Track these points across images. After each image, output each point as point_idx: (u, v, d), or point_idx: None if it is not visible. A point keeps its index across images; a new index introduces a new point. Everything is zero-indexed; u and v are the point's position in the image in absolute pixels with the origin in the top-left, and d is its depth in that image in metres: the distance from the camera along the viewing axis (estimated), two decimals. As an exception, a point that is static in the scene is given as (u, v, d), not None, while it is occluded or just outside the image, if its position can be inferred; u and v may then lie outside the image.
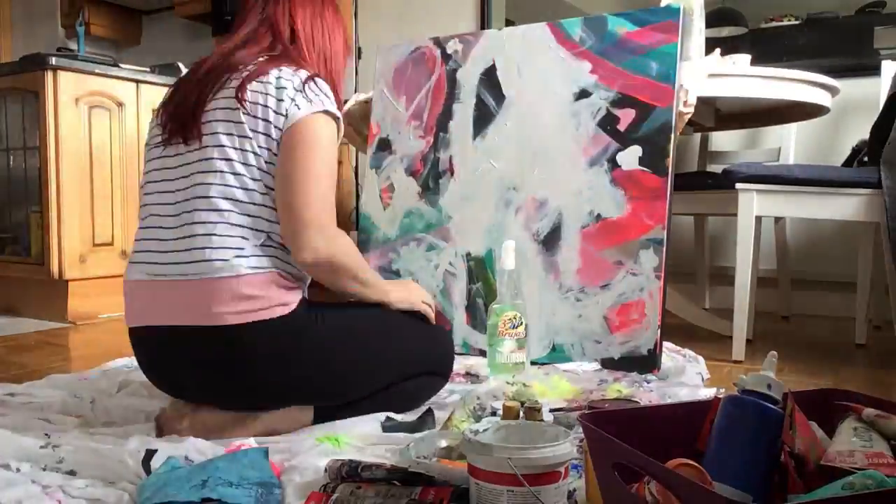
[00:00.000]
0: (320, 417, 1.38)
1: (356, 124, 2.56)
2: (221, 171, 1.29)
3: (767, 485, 0.86)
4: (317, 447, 1.22)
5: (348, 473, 1.03)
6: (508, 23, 3.60)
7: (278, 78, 1.33)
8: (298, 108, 1.31)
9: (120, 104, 2.85)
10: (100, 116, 2.79)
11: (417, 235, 2.22)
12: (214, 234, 1.27)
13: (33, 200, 2.77)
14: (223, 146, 1.30)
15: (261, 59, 1.39)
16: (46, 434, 1.28)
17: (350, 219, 3.44)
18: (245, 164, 1.30)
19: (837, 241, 2.91)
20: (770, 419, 0.87)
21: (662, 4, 1.99)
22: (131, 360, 1.92)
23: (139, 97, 2.91)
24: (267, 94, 1.31)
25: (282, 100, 1.31)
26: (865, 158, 2.34)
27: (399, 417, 1.42)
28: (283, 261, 1.32)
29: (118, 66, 2.92)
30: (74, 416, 1.45)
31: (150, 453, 1.13)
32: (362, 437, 1.30)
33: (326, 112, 1.34)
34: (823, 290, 2.96)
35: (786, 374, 1.93)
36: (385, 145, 2.33)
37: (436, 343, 1.55)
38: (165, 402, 1.47)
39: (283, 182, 1.29)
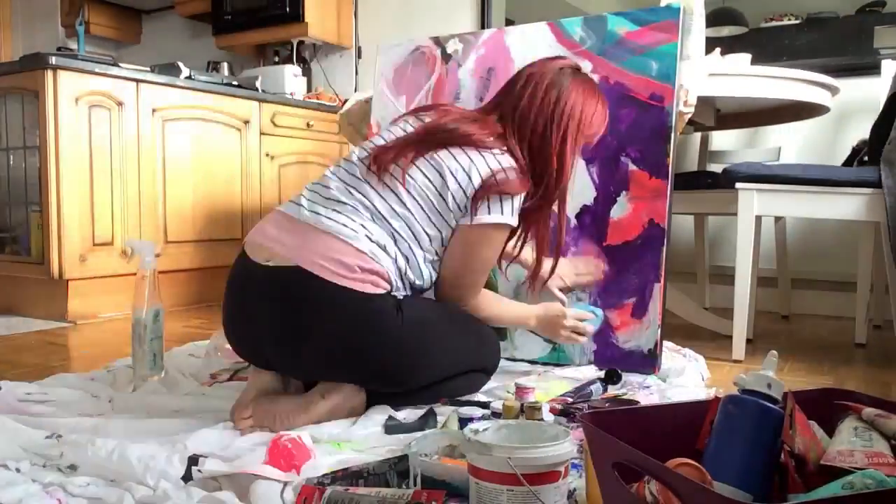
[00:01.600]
0: (373, 401, 1.46)
1: (356, 124, 2.56)
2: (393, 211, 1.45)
3: (767, 484, 0.86)
4: (317, 447, 1.22)
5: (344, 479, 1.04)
6: (508, 22, 3.60)
7: (476, 168, 1.47)
8: (488, 213, 1.48)
9: (120, 104, 2.85)
10: (100, 116, 2.79)
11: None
12: (362, 223, 1.41)
13: (33, 200, 2.76)
14: (406, 207, 1.45)
15: (477, 136, 1.50)
16: (91, 441, 1.22)
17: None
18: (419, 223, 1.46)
19: (837, 241, 2.92)
20: (770, 419, 0.87)
21: (662, 4, 1.99)
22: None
23: (139, 97, 2.91)
24: (460, 182, 1.46)
25: (469, 195, 1.46)
26: (865, 158, 2.34)
27: (401, 417, 1.42)
28: (402, 275, 1.44)
29: (118, 65, 2.92)
30: (95, 416, 1.45)
31: (192, 460, 1.12)
32: (363, 439, 1.30)
33: (506, 225, 1.51)
34: (823, 289, 2.96)
35: (786, 374, 1.93)
36: (385, 145, 2.33)
37: (485, 341, 1.63)
38: (185, 399, 1.52)
39: (451, 265, 1.53)
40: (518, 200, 1.51)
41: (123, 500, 1.03)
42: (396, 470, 1.02)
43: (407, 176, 1.46)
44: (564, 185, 1.57)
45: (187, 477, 1.09)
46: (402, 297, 1.44)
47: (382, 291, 1.39)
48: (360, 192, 1.45)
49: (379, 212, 1.43)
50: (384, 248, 1.41)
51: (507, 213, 1.49)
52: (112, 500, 1.04)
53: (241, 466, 1.07)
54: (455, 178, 1.46)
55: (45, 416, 1.41)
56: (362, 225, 1.41)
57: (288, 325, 1.37)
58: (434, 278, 1.54)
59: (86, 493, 1.06)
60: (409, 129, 1.55)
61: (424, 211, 1.46)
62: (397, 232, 1.43)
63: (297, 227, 1.41)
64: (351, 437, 1.31)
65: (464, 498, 1.00)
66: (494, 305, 1.66)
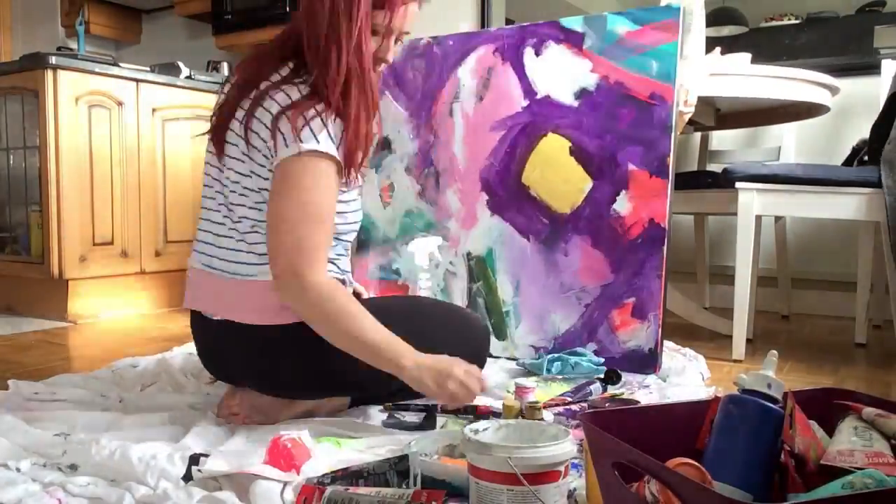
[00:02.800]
0: (357, 400, 1.47)
1: (356, 123, 2.55)
2: (242, 194, 1.33)
3: (767, 484, 0.86)
4: (317, 446, 1.22)
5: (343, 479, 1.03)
6: (508, 22, 3.60)
7: (274, 105, 1.27)
8: (286, 146, 1.24)
9: (120, 103, 2.85)
10: (100, 116, 2.79)
11: (417, 235, 2.23)
12: (246, 242, 1.33)
13: (33, 200, 2.76)
14: (238, 172, 1.33)
15: (273, 77, 1.30)
16: (95, 441, 1.21)
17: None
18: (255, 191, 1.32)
19: (837, 241, 2.91)
20: (770, 418, 0.87)
21: (662, 3, 1.99)
22: (135, 360, 1.93)
23: (139, 96, 2.91)
24: (263, 125, 1.27)
25: (273, 134, 1.25)
26: (865, 157, 2.34)
27: (401, 417, 1.43)
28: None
29: (118, 65, 2.92)
30: (107, 414, 1.45)
31: (193, 459, 1.13)
32: (363, 439, 1.30)
33: (314, 152, 1.24)
34: (823, 289, 2.96)
35: (786, 374, 1.93)
36: (385, 144, 2.33)
37: (472, 330, 1.55)
38: (193, 397, 1.54)
39: (269, 226, 1.28)
40: (316, 122, 1.25)
41: (123, 500, 1.03)
42: (396, 470, 1.02)
43: (227, 143, 1.32)
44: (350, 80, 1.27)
45: (188, 476, 1.09)
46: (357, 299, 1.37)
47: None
48: (231, 212, 1.36)
49: (249, 218, 1.33)
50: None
51: (306, 139, 1.23)
52: (112, 499, 1.04)
53: (240, 467, 1.07)
54: (250, 142, 1.29)
55: (58, 414, 1.41)
56: (250, 253, 1.32)
57: (247, 368, 1.37)
58: (346, 269, 1.43)
59: (86, 493, 1.06)
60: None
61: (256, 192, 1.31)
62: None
63: (219, 283, 1.35)
64: (351, 437, 1.31)
65: (464, 498, 1.00)
66: (359, 318, 1.27)
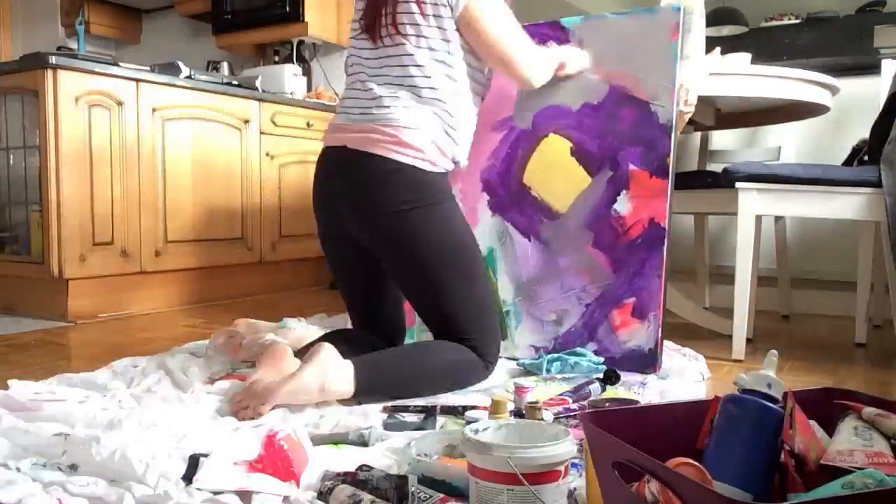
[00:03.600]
0: (360, 395, 1.51)
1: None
2: (404, 66, 1.65)
3: (767, 484, 0.86)
4: (315, 450, 1.22)
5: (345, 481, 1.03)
6: (508, 22, 3.59)
7: None
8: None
9: (120, 103, 2.85)
10: (100, 115, 2.79)
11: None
12: (392, 104, 1.64)
13: (33, 200, 2.76)
14: (408, 53, 1.65)
15: None
16: (95, 441, 1.20)
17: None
18: (425, 61, 1.65)
19: (837, 241, 2.92)
20: (770, 418, 0.87)
21: (663, 3, 1.99)
22: (136, 360, 1.92)
23: (139, 96, 2.91)
24: None
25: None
26: (865, 157, 2.34)
27: (402, 417, 1.43)
28: (445, 129, 1.66)
29: (118, 64, 2.91)
30: (107, 413, 1.45)
31: (194, 459, 1.12)
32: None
33: None
34: (823, 289, 2.96)
35: (786, 373, 1.93)
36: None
37: (492, 317, 1.76)
38: (193, 397, 1.54)
39: (487, 52, 1.70)
40: None
41: (123, 500, 1.03)
42: (397, 492, 1.02)
43: (398, 24, 1.64)
44: None
45: (188, 476, 1.09)
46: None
47: (438, 170, 1.65)
48: (379, 76, 1.67)
49: (402, 78, 1.64)
50: (429, 113, 1.64)
51: None
52: (112, 499, 1.04)
53: (239, 483, 1.07)
54: None
55: (58, 414, 1.41)
56: (403, 107, 1.63)
57: (357, 196, 1.63)
58: (476, 112, 1.79)
59: (86, 493, 1.06)
60: None
61: (434, 38, 1.65)
62: (429, 87, 1.65)
63: (357, 126, 1.66)
64: (351, 442, 1.31)
65: (464, 498, 1.00)
66: (542, 54, 1.86)
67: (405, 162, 1.60)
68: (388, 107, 1.63)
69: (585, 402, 1.48)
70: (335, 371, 1.48)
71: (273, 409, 1.44)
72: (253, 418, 1.41)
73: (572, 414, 1.40)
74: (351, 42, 1.76)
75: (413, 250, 1.62)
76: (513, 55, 1.72)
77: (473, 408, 1.45)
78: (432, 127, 1.64)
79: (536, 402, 1.31)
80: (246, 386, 1.50)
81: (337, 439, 1.29)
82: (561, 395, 1.53)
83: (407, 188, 1.60)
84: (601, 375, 1.66)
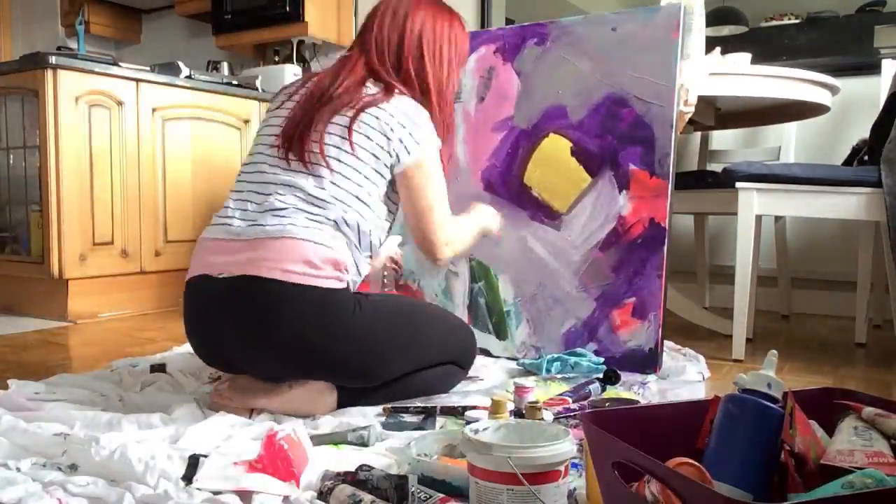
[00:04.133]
0: (343, 403, 1.47)
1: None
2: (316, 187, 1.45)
3: (767, 484, 0.86)
4: (315, 449, 1.22)
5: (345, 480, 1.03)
6: (508, 22, 3.60)
7: (385, 115, 1.47)
8: (408, 153, 1.49)
9: (120, 103, 2.85)
10: (100, 115, 2.79)
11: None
12: (295, 216, 1.41)
13: (33, 199, 2.76)
14: (323, 178, 1.44)
15: (368, 91, 1.51)
16: (95, 441, 1.20)
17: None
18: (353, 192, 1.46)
19: (837, 240, 2.91)
20: (770, 418, 0.87)
21: (663, 3, 1.99)
22: (135, 360, 1.93)
23: (139, 96, 2.91)
24: (375, 131, 1.46)
25: (390, 140, 1.47)
26: (865, 157, 2.34)
27: (401, 418, 1.43)
28: (353, 250, 1.45)
29: (118, 64, 2.91)
30: (107, 413, 1.44)
31: (194, 459, 1.12)
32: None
33: (433, 147, 1.53)
34: (823, 288, 2.96)
35: (786, 373, 1.93)
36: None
37: (458, 334, 1.63)
38: (193, 397, 1.55)
39: (412, 216, 1.54)
40: (429, 123, 1.55)
41: (123, 500, 1.03)
42: (397, 491, 1.02)
43: (325, 151, 1.45)
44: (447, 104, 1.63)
45: (188, 476, 1.09)
46: (361, 293, 1.47)
47: (342, 286, 1.41)
48: (290, 186, 1.44)
49: (315, 197, 1.42)
50: (336, 233, 1.42)
51: (427, 135, 1.52)
52: (112, 499, 1.04)
53: (239, 483, 1.07)
54: (369, 137, 1.47)
55: (58, 414, 1.41)
56: (307, 219, 1.40)
57: (252, 329, 1.38)
58: (381, 243, 1.57)
59: (86, 493, 1.06)
60: (292, 107, 1.53)
61: (358, 173, 1.46)
62: (343, 209, 1.44)
63: (243, 244, 1.40)
64: (350, 443, 1.31)
65: (464, 498, 1.00)
66: (465, 231, 1.67)
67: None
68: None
69: (585, 402, 1.48)
70: (322, 396, 1.47)
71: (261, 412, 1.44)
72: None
73: (572, 414, 1.40)
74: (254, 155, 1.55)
75: None
76: (436, 231, 1.55)
77: (473, 408, 1.45)
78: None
79: (537, 402, 1.31)
80: (231, 379, 1.50)
81: (337, 439, 1.29)
82: (561, 394, 1.53)
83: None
84: (601, 375, 1.66)
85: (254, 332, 1.38)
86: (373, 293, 1.53)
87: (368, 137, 1.47)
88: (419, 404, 1.50)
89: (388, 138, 1.47)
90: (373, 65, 1.55)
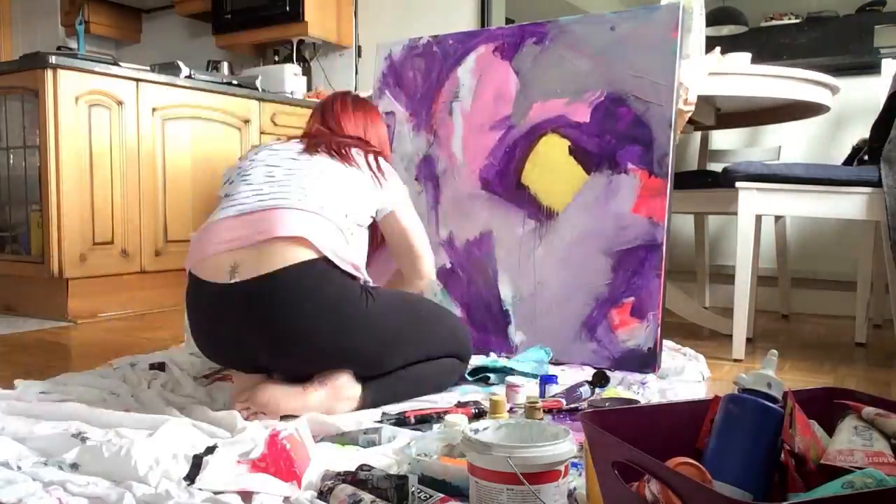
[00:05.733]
0: (366, 405, 1.50)
1: (356, 123, 2.56)
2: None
3: (767, 483, 0.86)
4: (316, 447, 1.22)
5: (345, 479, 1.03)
6: (508, 21, 3.60)
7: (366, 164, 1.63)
8: (392, 189, 1.65)
9: (120, 103, 2.85)
10: (100, 115, 2.79)
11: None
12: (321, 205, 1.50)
13: (33, 199, 2.76)
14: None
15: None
16: (99, 440, 1.22)
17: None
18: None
19: (837, 240, 2.91)
20: (770, 418, 0.87)
21: (663, 2, 1.99)
22: (135, 358, 1.93)
23: (139, 96, 2.91)
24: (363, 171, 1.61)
25: (373, 187, 1.61)
26: (866, 157, 2.34)
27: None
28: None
29: (118, 64, 2.91)
30: (122, 412, 1.44)
31: (197, 460, 1.12)
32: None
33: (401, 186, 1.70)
34: (823, 288, 2.96)
35: (786, 373, 1.93)
36: (385, 144, 2.33)
37: (457, 328, 1.72)
38: (193, 397, 1.55)
39: (398, 248, 1.70)
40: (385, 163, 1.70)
41: (123, 499, 1.03)
42: (397, 491, 1.01)
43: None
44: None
45: (191, 476, 1.09)
46: (368, 286, 1.52)
47: (358, 276, 1.48)
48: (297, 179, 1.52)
49: (321, 202, 1.50)
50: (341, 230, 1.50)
51: (395, 178, 1.69)
52: (112, 499, 1.04)
53: (241, 484, 1.07)
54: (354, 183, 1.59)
55: (63, 413, 1.41)
56: (320, 209, 1.49)
57: (277, 335, 1.41)
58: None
59: (86, 493, 1.05)
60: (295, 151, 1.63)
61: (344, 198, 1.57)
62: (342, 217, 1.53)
63: (255, 216, 1.46)
64: (352, 444, 1.31)
65: (464, 498, 1.00)
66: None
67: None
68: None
69: (579, 405, 1.49)
70: (343, 400, 1.48)
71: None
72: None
73: (565, 411, 1.40)
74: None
75: None
76: (421, 253, 1.71)
77: (446, 412, 1.44)
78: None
79: (536, 402, 1.31)
80: (249, 386, 1.49)
81: (346, 440, 1.29)
82: (554, 396, 1.53)
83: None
84: (590, 378, 1.64)
85: (278, 337, 1.41)
86: (376, 286, 1.58)
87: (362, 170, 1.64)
88: (394, 413, 1.46)
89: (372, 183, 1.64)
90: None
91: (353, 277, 1.47)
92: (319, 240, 1.42)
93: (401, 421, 1.39)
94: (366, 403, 1.50)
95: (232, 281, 1.40)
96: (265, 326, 1.40)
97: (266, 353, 1.45)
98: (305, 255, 1.40)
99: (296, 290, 1.39)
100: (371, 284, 1.54)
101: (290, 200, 1.46)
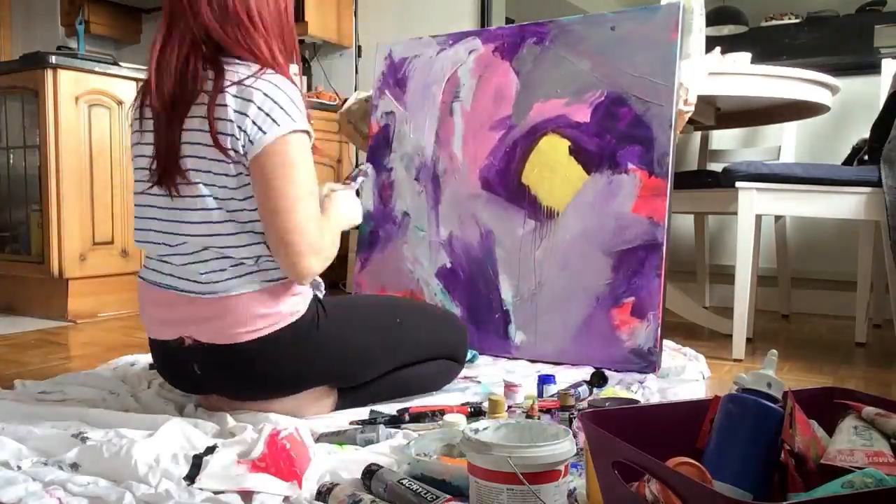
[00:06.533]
0: (344, 404, 1.48)
1: (356, 123, 2.56)
2: (208, 223, 1.31)
3: (767, 483, 0.86)
4: (318, 445, 1.22)
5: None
6: (508, 21, 3.60)
7: (235, 98, 1.25)
8: (264, 133, 1.24)
9: (120, 102, 2.84)
10: (100, 115, 2.79)
11: (418, 234, 2.22)
12: (214, 260, 1.32)
13: (33, 199, 2.76)
14: (204, 197, 1.29)
15: (210, 75, 1.28)
16: (100, 440, 1.22)
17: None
18: (228, 209, 1.31)
19: (837, 240, 2.91)
20: (770, 418, 0.87)
21: (663, 2, 1.99)
22: (135, 357, 1.93)
23: (139, 96, 2.91)
24: (227, 120, 1.25)
25: (243, 126, 1.25)
26: (866, 157, 2.34)
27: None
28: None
29: (118, 64, 2.91)
30: (124, 412, 1.45)
31: (197, 459, 1.12)
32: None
33: (294, 131, 1.27)
34: (823, 288, 2.96)
35: (786, 373, 1.93)
36: (385, 143, 2.33)
37: (449, 329, 1.62)
38: (188, 397, 1.55)
39: (269, 215, 1.27)
40: (287, 100, 1.27)
41: (124, 499, 1.03)
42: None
43: (188, 175, 1.28)
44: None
45: (191, 476, 1.09)
46: (319, 300, 1.41)
47: (303, 310, 1.36)
48: (190, 226, 1.32)
49: (215, 233, 1.31)
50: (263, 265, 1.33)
51: (288, 118, 1.26)
52: (112, 499, 1.04)
53: (241, 483, 1.07)
54: (216, 134, 1.26)
55: (64, 413, 1.41)
56: (232, 266, 1.32)
57: (237, 386, 1.40)
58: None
59: (86, 493, 1.05)
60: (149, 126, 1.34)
61: (227, 188, 1.29)
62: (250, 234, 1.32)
63: (186, 302, 1.33)
64: (346, 436, 1.31)
65: (464, 498, 1.00)
66: (333, 228, 1.41)
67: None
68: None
69: (582, 404, 1.48)
70: (322, 400, 1.47)
71: None
72: None
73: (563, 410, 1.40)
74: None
75: None
76: (301, 237, 1.28)
77: (442, 412, 1.44)
78: None
79: (535, 402, 1.31)
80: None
81: (343, 440, 1.29)
82: (551, 396, 1.53)
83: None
84: (588, 378, 1.64)
85: (239, 388, 1.40)
86: (329, 298, 1.46)
87: (226, 131, 1.27)
88: (386, 412, 1.45)
89: (240, 127, 1.26)
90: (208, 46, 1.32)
91: (304, 308, 1.36)
92: (252, 309, 1.30)
93: (395, 419, 1.39)
94: (341, 407, 1.49)
95: (186, 345, 1.36)
96: (224, 384, 1.40)
97: (228, 396, 1.44)
98: (248, 331, 1.31)
99: (247, 350, 1.32)
100: (320, 293, 1.42)
101: (195, 283, 1.31)
